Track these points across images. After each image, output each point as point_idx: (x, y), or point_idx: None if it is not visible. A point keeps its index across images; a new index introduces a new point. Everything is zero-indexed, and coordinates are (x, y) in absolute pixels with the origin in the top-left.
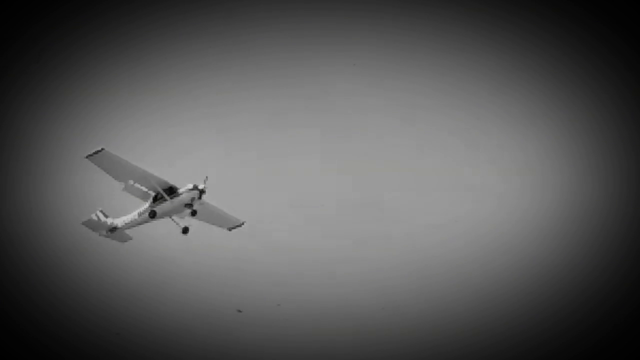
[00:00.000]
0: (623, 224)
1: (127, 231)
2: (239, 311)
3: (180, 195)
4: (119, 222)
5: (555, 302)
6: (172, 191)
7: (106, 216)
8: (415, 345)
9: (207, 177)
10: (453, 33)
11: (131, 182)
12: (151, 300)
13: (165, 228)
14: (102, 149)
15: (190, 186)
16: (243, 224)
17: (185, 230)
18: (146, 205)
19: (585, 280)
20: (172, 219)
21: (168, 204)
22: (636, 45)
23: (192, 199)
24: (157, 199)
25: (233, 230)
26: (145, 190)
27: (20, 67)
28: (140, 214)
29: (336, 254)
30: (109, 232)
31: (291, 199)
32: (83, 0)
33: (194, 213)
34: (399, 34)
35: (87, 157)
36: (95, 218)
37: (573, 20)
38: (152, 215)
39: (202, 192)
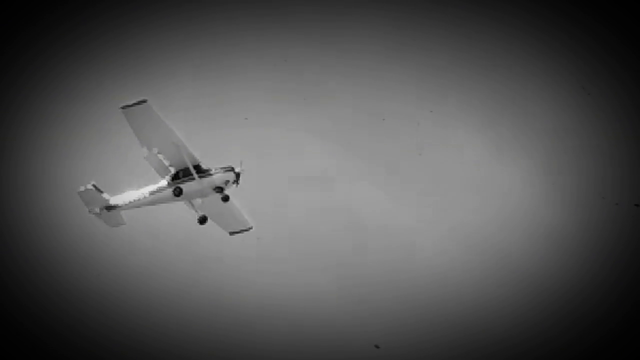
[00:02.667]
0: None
1: (123, 214)
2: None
3: (212, 176)
4: (120, 200)
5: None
6: (199, 170)
7: (100, 191)
8: None
9: (242, 161)
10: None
11: (156, 150)
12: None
13: (168, 215)
14: (145, 101)
15: (226, 166)
16: (250, 228)
17: (202, 220)
18: (162, 183)
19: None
20: (191, 204)
21: (195, 184)
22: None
23: (226, 182)
24: (177, 177)
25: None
26: (167, 164)
27: None
28: (152, 193)
29: None
30: (103, 210)
31: None
32: None
33: (225, 198)
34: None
35: (123, 107)
36: (90, 190)
37: None
38: (178, 193)
39: (238, 175)
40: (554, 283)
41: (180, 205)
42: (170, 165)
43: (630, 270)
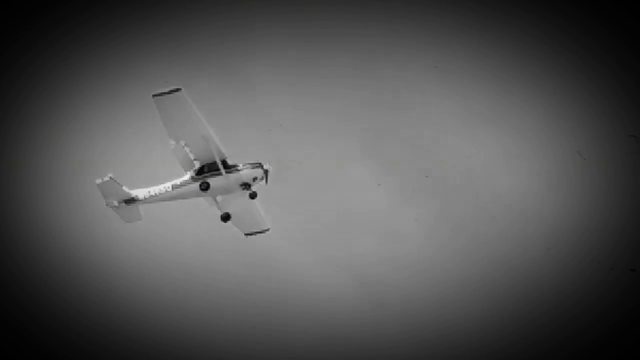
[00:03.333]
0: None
1: (141, 208)
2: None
3: (240, 171)
4: (141, 193)
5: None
6: (226, 165)
7: (119, 184)
8: None
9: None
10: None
11: (183, 142)
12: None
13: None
14: (180, 89)
15: (254, 162)
16: (268, 230)
17: (226, 217)
18: (185, 177)
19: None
20: (215, 201)
21: (222, 179)
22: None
23: (254, 179)
24: (202, 171)
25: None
26: (193, 157)
27: None
28: (175, 187)
29: None
30: (122, 204)
31: None
32: None
33: (253, 195)
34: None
35: (156, 95)
36: (110, 181)
37: None
38: (205, 187)
39: (266, 173)
40: None
41: (197, 204)
42: (196, 159)
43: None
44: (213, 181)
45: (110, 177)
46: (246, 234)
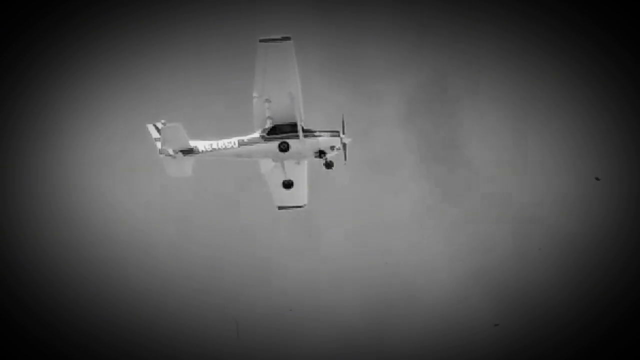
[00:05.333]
0: None
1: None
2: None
3: (318, 137)
4: (201, 145)
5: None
6: (302, 129)
7: (184, 132)
8: None
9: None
10: None
11: (267, 97)
12: None
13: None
14: (289, 38)
15: (332, 130)
16: (303, 206)
17: (289, 184)
18: (254, 135)
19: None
20: (282, 165)
21: (298, 143)
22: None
23: (332, 147)
24: (274, 132)
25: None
26: (269, 115)
27: None
28: (242, 144)
29: None
30: (178, 153)
31: None
32: None
33: (329, 165)
34: None
35: (263, 40)
36: (176, 126)
37: None
38: (285, 148)
39: (344, 145)
40: None
41: None
42: (269, 118)
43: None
44: (291, 143)
45: (163, 123)
46: (280, 207)
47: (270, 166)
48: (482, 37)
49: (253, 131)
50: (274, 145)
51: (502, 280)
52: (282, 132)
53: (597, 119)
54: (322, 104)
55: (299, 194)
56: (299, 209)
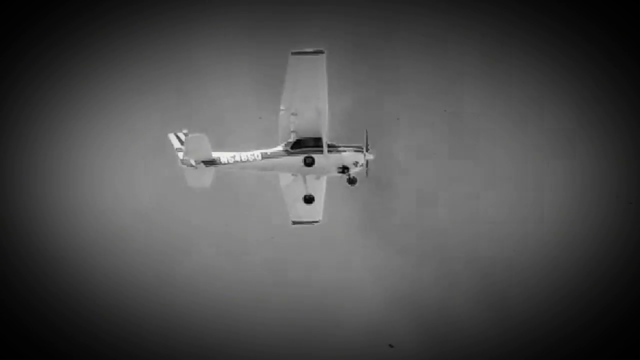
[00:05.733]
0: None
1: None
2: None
3: (341, 153)
4: (224, 156)
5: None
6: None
7: (209, 142)
8: None
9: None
10: None
11: (294, 110)
12: None
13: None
14: (323, 52)
15: (356, 145)
16: (318, 222)
17: (310, 199)
18: (277, 148)
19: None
20: (304, 179)
21: (322, 158)
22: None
23: (355, 163)
24: (298, 146)
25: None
26: (293, 128)
27: None
28: (265, 156)
29: None
30: (200, 164)
31: None
32: None
33: (352, 181)
34: None
35: (296, 53)
36: (201, 137)
37: None
38: (310, 162)
39: (367, 162)
40: None
41: None
42: (294, 131)
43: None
44: (315, 158)
45: (185, 133)
46: (294, 222)
47: (289, 180)
48: None
49: (275, 144)
50: (298, 159)
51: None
52: (305, 146)
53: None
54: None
55: (316, 209)
56: (314, 224)
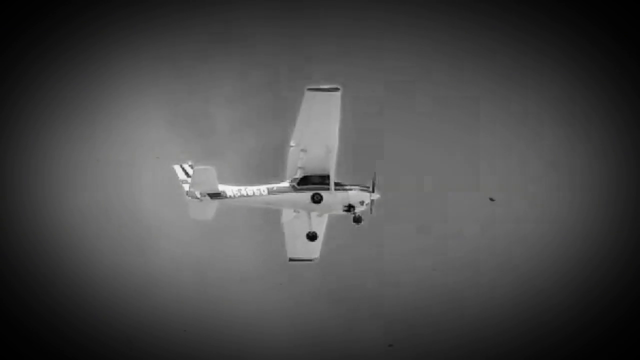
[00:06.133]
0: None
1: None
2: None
3: (347, 191)
4: (230, 190)
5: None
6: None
7: (215, 175)
8: None
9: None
10: None
11: (304, 146)
12: None
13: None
14: (338, 89)
15: (363, 185)
16: (314, 260)
17: (313, 237)
18: (283, 184)
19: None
20: (309, 216)
21: (329, 196)
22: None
23: (361, 202)
24: (304, 182)
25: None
26: (301, 165)
27: None
28: (271, 192)
29: None
30: (205, 197)
31: None
32: None
33: (358, 220)
34: None
35: (312, 89)
36: (209, 169)
37: None
38: (318, 200)
39: (372, 201)
40: None
41: None
42: (300, 168)
43: None
44: (323, 195)
45: (191, 165)
46: (291, 259)
47: (291, 216)
48: None
49: (281, 180)
50: (305, 196)
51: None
52: (312, 183)
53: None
54: None
55: (314, 247)
56: (309, 262)
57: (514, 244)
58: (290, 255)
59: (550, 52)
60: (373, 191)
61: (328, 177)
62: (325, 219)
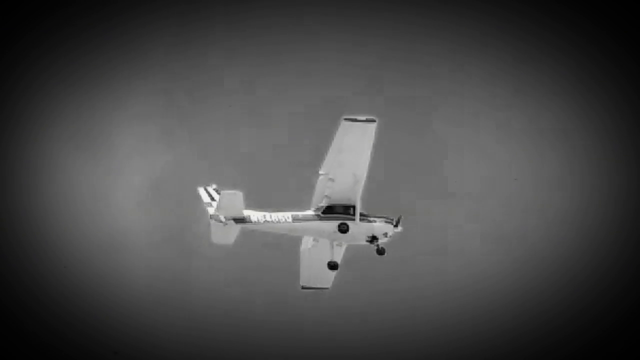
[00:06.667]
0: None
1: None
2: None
3: (372, 223)
4: (254, 215)
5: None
6: (354, 212)
7: (243, 200)
8: None
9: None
10: None
11: (332, 175)
12: None
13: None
14: (375, 121)
15: (387, 217)
16: (327, 289)
17: (334, 266)
18: (308, 212)
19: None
20: (332, 245)
21: (354, 226)
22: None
23: (385, 234)
24: (329, 211)
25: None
26: (327, 193)
27: None
28: (296, 219)
29: None
30: (230, 221)
31: None
32: None
33: (381, 252)
34: None
35: (348, 119)
36: (238, 194)
37: None
38: (345, 229)
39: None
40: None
41: None
42: (326, 196)
43: None
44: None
45: (215, 189)
46: (304, 287)
47: (309, 244)
48: None
49: (305, 208)
50: (330, 225)
51: None
52: (336, 212)
53: None
54: None
55: (328, 277)
56: (323, 290)
57: (514, 244)
58: (303, 283)
59: (551, 52)
60: (397, 226)
61: (351, 207)
62: (343, 249)
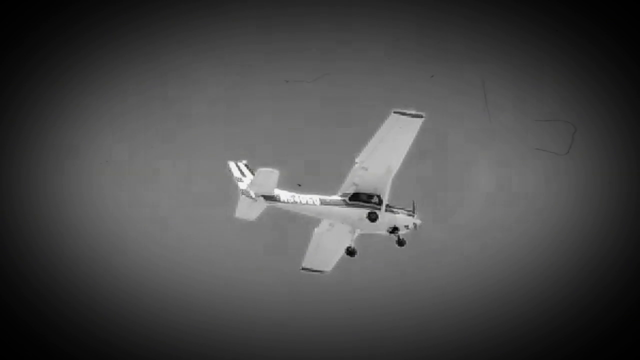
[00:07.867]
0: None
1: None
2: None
3: (395, 214)
4: (284, 195)
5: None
6: (380, 201)
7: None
8: None
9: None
10: None
11: (366, 165)
12: None
13: None
14: (422, 116)
15: (409, 209)
16: (326, 272)
17: (353, 252)
18: (335, 197)
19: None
20: (353, 232)
21: (380, 215)
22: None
23: (406, 226)
24: (355, 198)
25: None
26: (356, 181)
27: None
28: (324, 203)
29: None
30: (259, 197)
31: None
32: None
33: (402, 243)
34: None
35: (397, 112)
36: (274, 172)
37: None
38: (374, 218)
39: (415, 225)
40: None
41: None
42: (355, 184)
43: None
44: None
45: (246, 164)
46: (304, 268)
47: (324, 228)
48: None
49: (332, 193)
50: (357, 212)
51: None
52: (361, 200)
53: None
54: None
55: (330, 260)
56: (322, 273)
57: (514, 244)
58: (304, 264)
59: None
60: (413, 213)
61: (375, 196)
62: (355, 236)
